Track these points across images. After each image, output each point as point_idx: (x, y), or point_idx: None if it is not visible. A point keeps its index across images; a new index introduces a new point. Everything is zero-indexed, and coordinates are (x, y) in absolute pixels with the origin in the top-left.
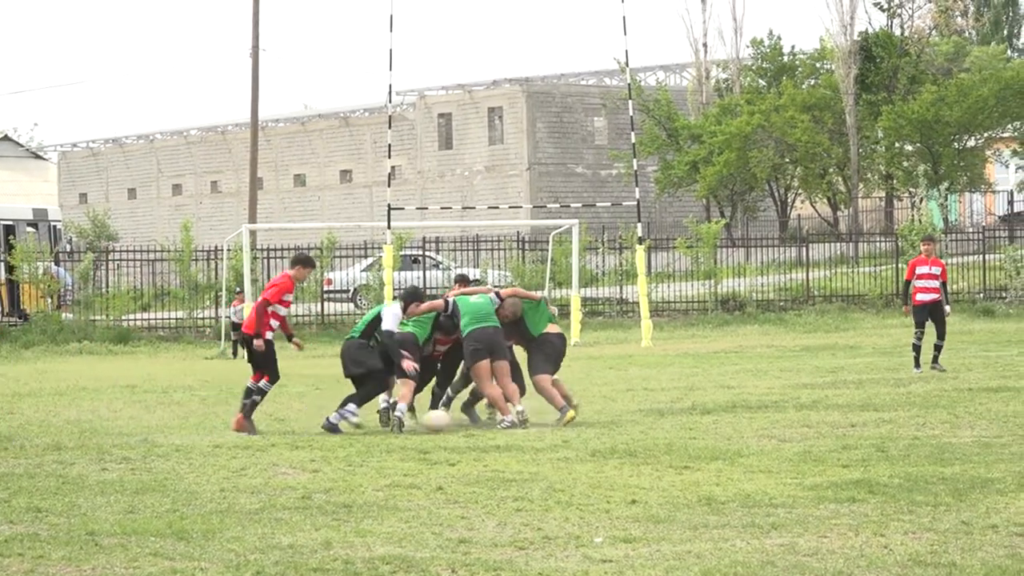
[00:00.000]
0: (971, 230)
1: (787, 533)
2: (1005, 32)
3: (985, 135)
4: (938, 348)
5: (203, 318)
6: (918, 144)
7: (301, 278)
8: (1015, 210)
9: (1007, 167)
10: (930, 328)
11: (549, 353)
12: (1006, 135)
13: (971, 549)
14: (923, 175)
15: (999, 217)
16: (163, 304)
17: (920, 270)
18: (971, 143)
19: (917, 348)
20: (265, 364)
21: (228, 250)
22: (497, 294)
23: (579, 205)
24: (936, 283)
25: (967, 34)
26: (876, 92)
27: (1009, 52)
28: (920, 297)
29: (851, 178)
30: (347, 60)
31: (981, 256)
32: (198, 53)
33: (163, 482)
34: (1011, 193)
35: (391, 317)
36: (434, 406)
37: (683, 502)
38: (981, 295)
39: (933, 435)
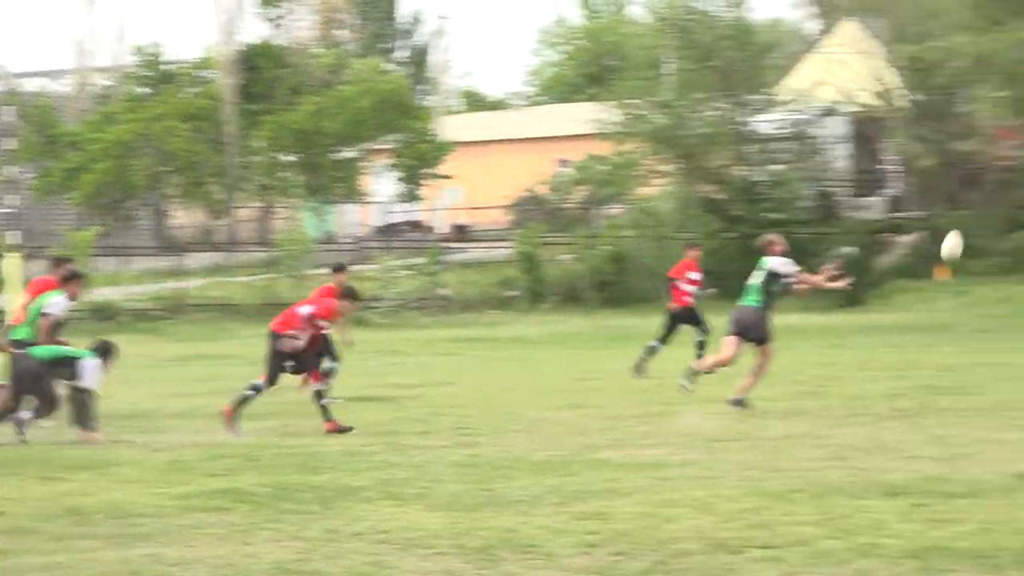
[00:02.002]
0: (346, 240)
1: (154, 543)
2: (384, 46)
3: (363, 147)
4: None
5: None
6: (299, 154)
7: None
8: (391, 221)
9: (383, 178)
10: None
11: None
12: (383, 147)
13: (336, 556)
14: (299, 186)
15: (376, 228)
16: None
17: None
18: (350, 154)
19: None
20: None
21: None
22: None
23: None
24: None
25: (347, 47)
26: (258, 102)
27: (387, 65)
28: None
29: (229, 188)
30: None
31: (357, 266)
32: None
33: None
34: (387, 204)
35: None
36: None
37: (49, 513)
38: None
39: (304, 444)
